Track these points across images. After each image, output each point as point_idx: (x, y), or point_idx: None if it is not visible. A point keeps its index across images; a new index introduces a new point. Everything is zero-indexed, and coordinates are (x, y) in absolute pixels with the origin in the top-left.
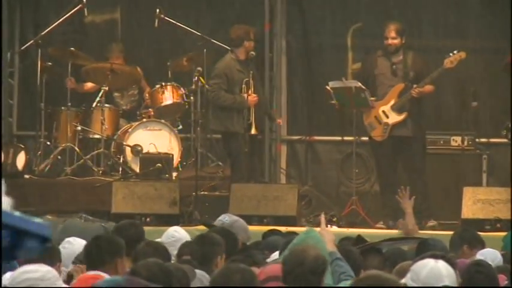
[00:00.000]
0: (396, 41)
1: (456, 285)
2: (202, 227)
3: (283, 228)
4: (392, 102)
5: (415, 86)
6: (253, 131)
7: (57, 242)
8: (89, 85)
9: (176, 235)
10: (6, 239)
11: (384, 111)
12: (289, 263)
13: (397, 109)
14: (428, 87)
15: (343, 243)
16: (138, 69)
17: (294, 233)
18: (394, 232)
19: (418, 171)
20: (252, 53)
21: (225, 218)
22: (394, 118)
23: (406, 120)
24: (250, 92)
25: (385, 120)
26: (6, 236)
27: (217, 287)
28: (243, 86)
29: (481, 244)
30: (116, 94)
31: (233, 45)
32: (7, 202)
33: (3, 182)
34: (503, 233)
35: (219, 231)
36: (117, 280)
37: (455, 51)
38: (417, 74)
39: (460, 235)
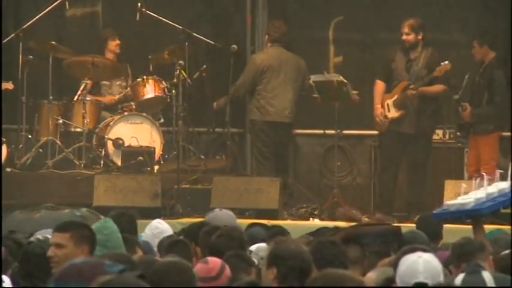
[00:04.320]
0: (410, 37)
1: (438, 281)
2: (184, 220)
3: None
4: (395, 97)
5: (411, 86)
6: None
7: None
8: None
9: (160, 227)
10: None
11: (388, 104)
12: (289, 260)
13: (396, 105)
14: (437, 87)
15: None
16: (128, 68)
17: (278, 226)
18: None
19: (419, 168)
20: (234, 46)
21: (208, 214)
22: (392, 113)
23: (410, 118)
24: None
25: (386, 113)
26: None
27: None
28: None
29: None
30: (103, 82)
31: None
32: None
33: None
34: (485, 226)
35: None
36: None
37: (446, 62)
38: (430, 72)
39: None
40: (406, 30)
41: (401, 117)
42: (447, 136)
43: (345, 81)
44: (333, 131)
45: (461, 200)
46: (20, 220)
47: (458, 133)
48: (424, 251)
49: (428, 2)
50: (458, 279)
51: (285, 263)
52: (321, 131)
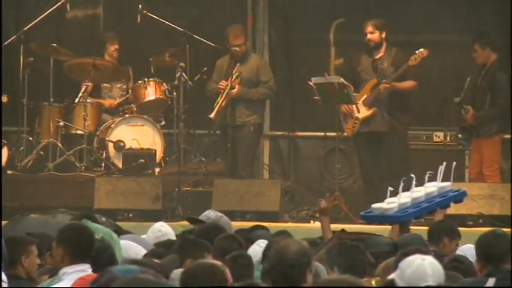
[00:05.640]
0: (374, 36)
1: (443, 283)
2: (185, 223)
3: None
4: (364, 97)
5: (383, 80)
6: None
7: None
8: None
9: (163, 229)
10: None
11: (356, 106)
12: (271, 259)
13: (367, 104)
14: (408, 83)
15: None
16: (129, 70)
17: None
18: (375, 228)
19: (399, 167)
20: (236, 48)
21: (210, 214)
22: (363, 113)
23: (383, 116)
24: None
25: (356, 114)
26: None
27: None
28: None
29: (459, 236)
30: (104, 85)
31: None
32: None
33: None
34: (486, 229)
35: (209, 227)
36: (133, 269)
37: (421, 49)
38: (397, 70)
39: (439, 227)
40: (370, 29)
41: (373, 115)
42: (448, 138)
43: (346, 83)
44: (333, 134)
45: (386, 204)
46: (36, 224)
47: (460, 135)
48: (424, 253)
49: (427, 3)
50: (490, 283)
51: (267, 262)
52: (322, 134)
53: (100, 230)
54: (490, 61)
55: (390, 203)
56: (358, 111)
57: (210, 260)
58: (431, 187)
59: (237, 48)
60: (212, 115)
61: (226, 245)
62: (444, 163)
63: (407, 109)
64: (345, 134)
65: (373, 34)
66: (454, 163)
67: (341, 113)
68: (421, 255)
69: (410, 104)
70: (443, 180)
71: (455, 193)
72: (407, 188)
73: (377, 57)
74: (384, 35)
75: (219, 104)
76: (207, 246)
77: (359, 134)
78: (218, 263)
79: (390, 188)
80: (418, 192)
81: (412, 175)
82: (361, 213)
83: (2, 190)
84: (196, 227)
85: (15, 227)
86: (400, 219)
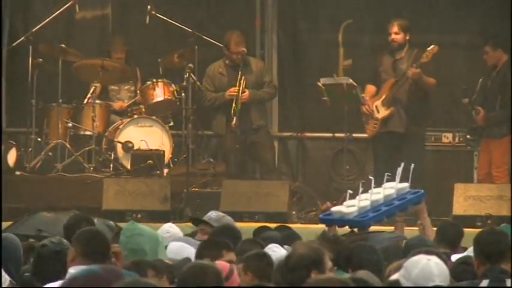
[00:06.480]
0: (399, 37)
1: (448, 283)
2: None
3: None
4: (383, 97)
5: (414, 64)
6: None
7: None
8: None
9: (171, 230)
10: None
11: (376, 106)
12: (278, 263)
13: (385, 104)
14: (432, 79)
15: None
16: (138, 71)
17: (287, 228)
18: (384, 228)
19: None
20: (244, 49)
21: (212, 214)
22: (382, 113)
23: (401, 116)
24: None
25: (376, 115)
26: None
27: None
28: None
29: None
30: (112, 87)
31: None
32: None
33: None
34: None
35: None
36: (94, 269)
37: (432, 46)
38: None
39: (450, 228)
40: (395, 29)
41: (391, 115)
42: (457, 139)
43: (355, 84)
44: (342, 134)
45: (346, 208)
46: (47, 221)
47: (469, 136)
48: (432, 254)
49: (436, 4)
50: (484, 284)
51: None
52: (330, 134)
53: (146, 232)
54: (501, 62)
55: (350, 207)
56: (378, 112)
57: (230, 258)
58: (389, 189)
59: (239, 55)
60: (234, 122)
61: (249, 248)
62: (402, 164)
63: (426, 111)
64: (366, 135)
65: (397, 35)
66: (413, 165)
67: (362, 114)
68: (426, 255)
69: (430, 106)
70: (401, 181)
71: (414, 195)
72: (366, 190)
73: (398, 57)
74: (407, 37)
75: (234, 111)
76: (226, 244)
77: (379, 135)
78: (223, 263)
79: (349, 191)
80: (377, 194)
81: (371, 177)
82: (320, 215)
83: (2, 190)
84: (199, 228)
85: (24, 223)
86: (360, 224)
